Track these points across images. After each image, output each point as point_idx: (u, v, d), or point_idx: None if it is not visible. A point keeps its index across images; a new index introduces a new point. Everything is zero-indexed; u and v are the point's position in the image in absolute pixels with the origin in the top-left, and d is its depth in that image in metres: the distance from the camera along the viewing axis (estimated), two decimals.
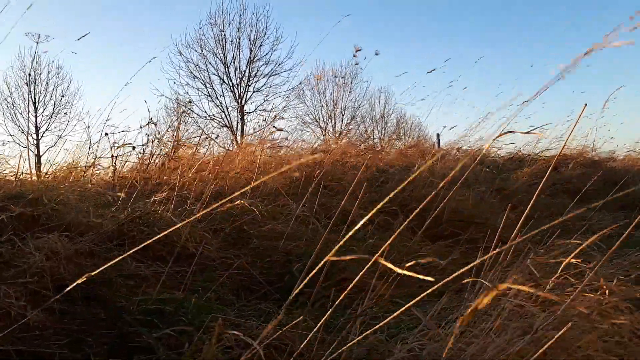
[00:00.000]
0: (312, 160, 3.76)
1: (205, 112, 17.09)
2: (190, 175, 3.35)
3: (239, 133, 15.86)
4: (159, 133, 3.81)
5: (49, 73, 19.48)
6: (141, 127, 3.55)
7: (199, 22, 19.50)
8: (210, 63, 17.29)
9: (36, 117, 19.31)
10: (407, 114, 20.71)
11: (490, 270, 1.72)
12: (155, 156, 3.64)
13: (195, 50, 17.25)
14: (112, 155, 3.49)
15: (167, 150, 3.77)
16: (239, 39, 17.45)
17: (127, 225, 2.56)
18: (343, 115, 19.21)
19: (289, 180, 3.48)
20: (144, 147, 3.61)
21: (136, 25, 29.05)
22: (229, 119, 17.16)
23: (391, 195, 1.09)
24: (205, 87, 17.22)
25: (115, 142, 3.58)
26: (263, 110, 16.91)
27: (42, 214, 2.39)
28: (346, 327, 2.03)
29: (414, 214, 2.11)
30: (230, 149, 5.49)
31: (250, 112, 17.14)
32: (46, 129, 19.42)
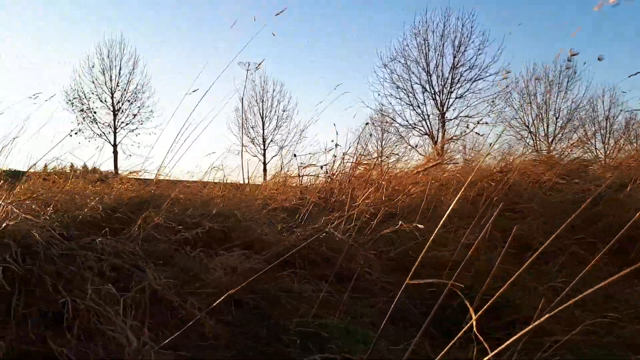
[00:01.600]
0: (494, 177, 3.46)
1: (407, 121, 17.33)
2: (366, 195, 3.41)
3: (439, 140, 15.61)
4: (343, 154, 3.98)
5: (273, 91, 22.37)
6: (326, 150, 3.77)
7: (402, 34, 19.95)
8: (412, 72, 17.51)
9: (263, 129, 22.31)
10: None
11: None
12: (337, 174, 3.83)
13: (399, 61, 17.67)
14: (299, 175, 3.78)
15: (349, 169, 3.91)
16: (442, 45, 17.28)
17: (300, 243, 2.74)
18: (557, 118, 17.22)
19: (466, 200, 3.27)
20: (328, 167, 3.82)
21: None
22: (429, 126, 17.04)
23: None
24: (407, 96, 17.48)
25: (303, 163, 3.86)
26: (465, 116, 16.33)
27: (230, 231, 2.73)
28: None
29: (610, 244, 1.79)
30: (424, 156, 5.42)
31: (451, 119, 16.75)
32: (271, 140, 22.28)
